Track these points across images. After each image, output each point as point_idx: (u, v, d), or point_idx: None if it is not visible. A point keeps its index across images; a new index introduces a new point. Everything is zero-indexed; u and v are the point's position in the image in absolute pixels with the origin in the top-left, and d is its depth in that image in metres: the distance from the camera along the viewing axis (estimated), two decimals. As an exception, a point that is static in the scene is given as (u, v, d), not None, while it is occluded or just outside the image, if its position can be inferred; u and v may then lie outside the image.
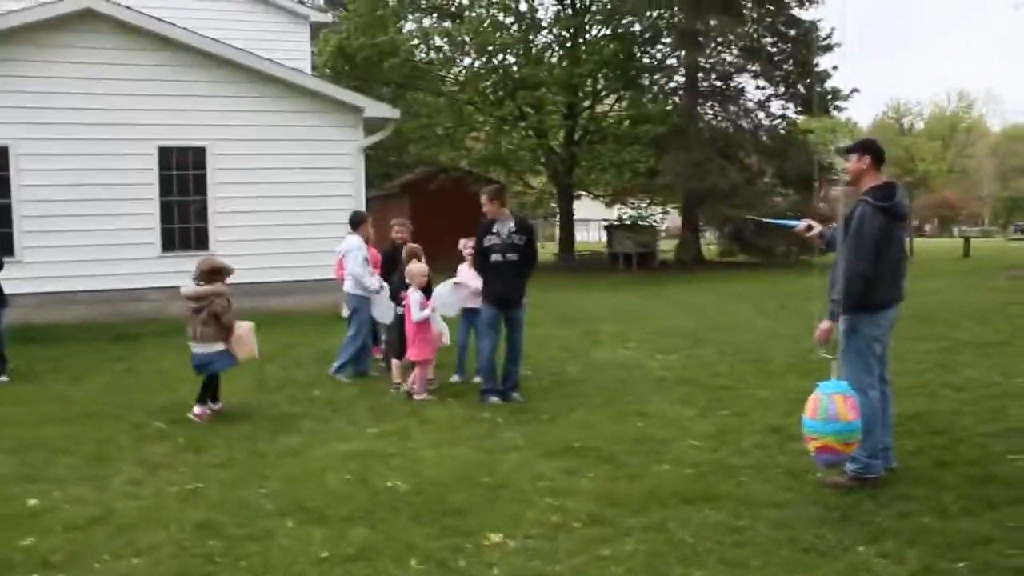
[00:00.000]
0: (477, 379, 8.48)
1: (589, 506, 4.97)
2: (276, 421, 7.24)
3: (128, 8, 13.64)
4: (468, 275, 8.57)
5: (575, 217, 33.37)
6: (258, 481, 5.60)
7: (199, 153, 14.11)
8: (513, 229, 7.89)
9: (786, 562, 4.18)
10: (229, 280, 7.73)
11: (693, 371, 9.14)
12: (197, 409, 7.39)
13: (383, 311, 9.11)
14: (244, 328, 7.63)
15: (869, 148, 5.52)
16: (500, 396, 7.82)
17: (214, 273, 7.61)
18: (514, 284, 7.93)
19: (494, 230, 7.86)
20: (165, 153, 13.93)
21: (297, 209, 14.32)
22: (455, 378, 8.88)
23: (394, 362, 8.71)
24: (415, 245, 8.97)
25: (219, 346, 7.46)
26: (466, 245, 8.80)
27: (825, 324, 5.38)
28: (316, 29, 21.77)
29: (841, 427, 4.92)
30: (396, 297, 8.87)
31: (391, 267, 9.30)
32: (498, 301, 7.89)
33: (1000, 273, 21.19)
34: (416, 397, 7.97)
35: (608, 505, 4.98)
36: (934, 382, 8.22)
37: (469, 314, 8.77)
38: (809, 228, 5.83)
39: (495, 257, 7.82)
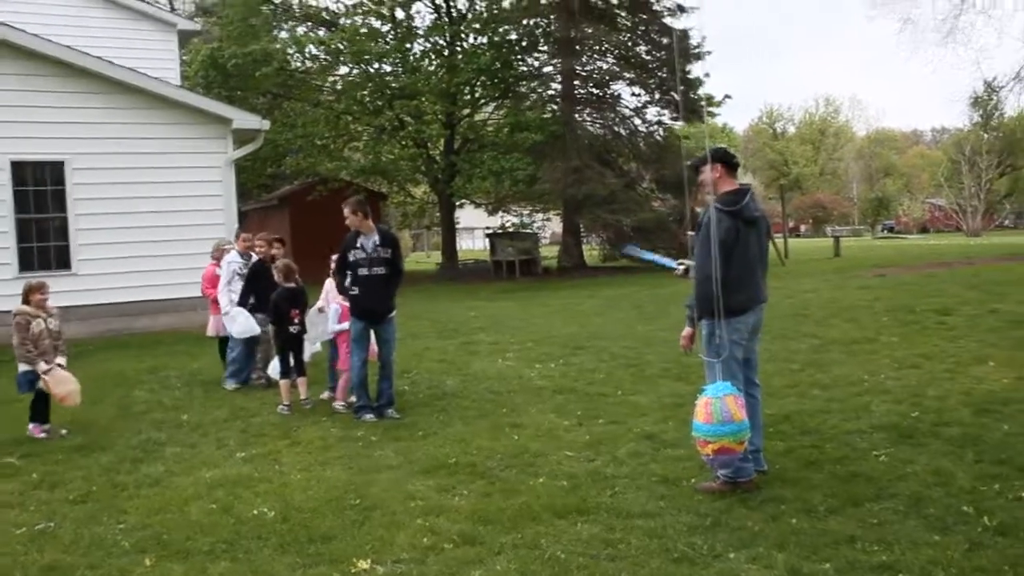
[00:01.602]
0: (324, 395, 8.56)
1: (461, 525, 4.88)
2: (140, 449, 6.92)
3: (-25, 16, 12.97)
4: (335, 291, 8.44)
5: (460, 226, 33.35)
6: (116, 516, 5.33)
7: (57, 168, 13.50)
8: (378, 242, 7.75)
9: (657, 573, 4.17)
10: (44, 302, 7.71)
11: (571, 379, 9.14)
12: (30, 426, 7.49)
13: (240, 328, 9.08)
14: (65, 387, 7.51)
15: (718, 156, 5.53)
16: (375, 413, 7.66)
17: (27, 293, 7.67)
18: (381, 298, 7.78)
19: (359, 244, 7.70)
20: (19, 168, 13.26)
21: (165, 225, 13.86)
22: (327, 394, 8.66)
23: (283, 382, 8.42)
24: (287, 261, 8.73)
25: (22, 366, 7.50)
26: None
27: (686, 331, 5.51)
28: (185, 38, 21.14)
29: (735, 427, 5.03)
30: (264, 311, 8.74)
31: (256, 282, 9.08)
32: (365, 315, 7.73)
33: (867, 271, 22.03)
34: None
35: (480, 523, 4.90)
36: (805, 381, 8.42)
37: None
38: (687, 271, 5.85)
39: (361, 271, 7.67)
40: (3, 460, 6.73)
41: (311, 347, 8.76)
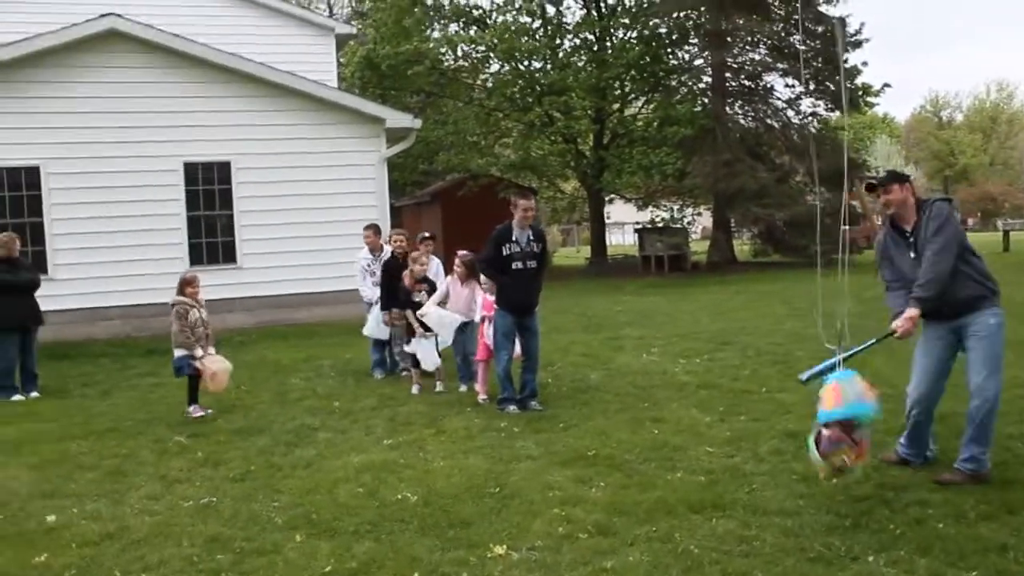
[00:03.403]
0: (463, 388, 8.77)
1: (597, 516, 4.93)
2: (294, 433, 7.28)
3: (150, 27, 13.85)
4: (459, 292, 8.71)
5: (610, 221, 33.26)
6: (271, 494, 5.63)
7: (224, 168, 14.29)
8: (532, 237, 7.89)
9: (791, 571, 4.11)
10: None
11: (715, 375, 9.04)
12: (190, 407, 8.07)
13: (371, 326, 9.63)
14: (219, 364, 8.10)
15: (904, 177, 5.58)
16: (518, 405, 7.79)
17: (183, 285, 8.29)
18: (532, 291, 7.92)
19: (514, 238, 7.84)
20: (191, 169, 14.12)
21: (322, 220, 14.43)
22: (463, 388, 8.84)
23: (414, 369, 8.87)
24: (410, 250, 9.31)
25: (179, 351, 8.16)
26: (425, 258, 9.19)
27: (913, 312, 5.32)
28: (342, 41, 21.91)
29: (868, 407, 4.95)
30: (397, 305, 9.17)
31: (390, 278, 9.41)
32: (515, 309, 7.87)
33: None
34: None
35: (616, 515, 4.94)
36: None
37: (462, 326, 8.74)
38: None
39: (516, 265, 7.81)
40: (174, 439, 7.20)
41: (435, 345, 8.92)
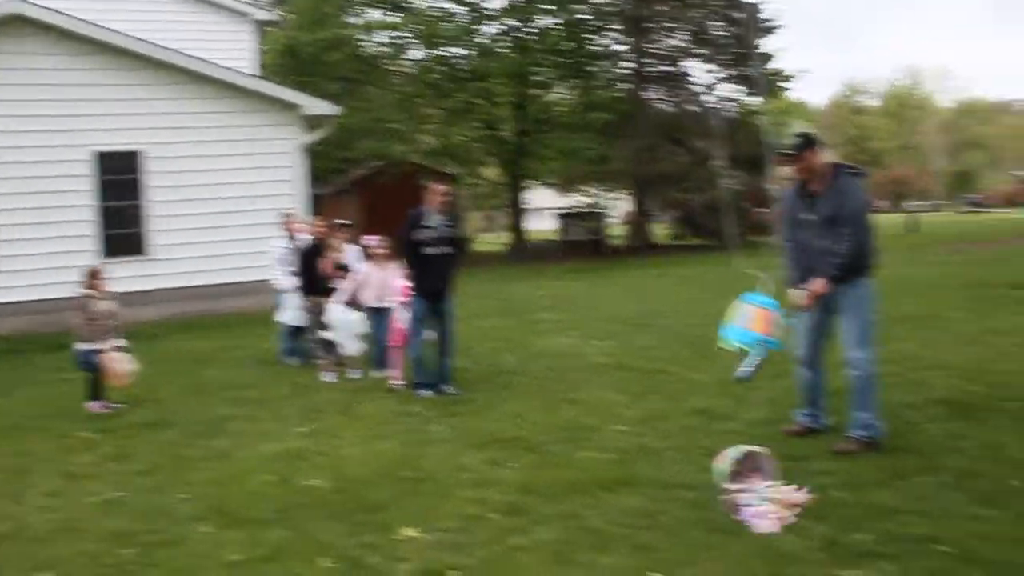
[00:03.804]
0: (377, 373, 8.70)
1: (509, 496, 4.97)
2: (205, 425, 7.16)
3: (57, 12, 13.40)
4: (377, 274, 8.72)
5: (531, 207, 33.39)
6: (180, 487, 5.54)
7: (135, 157, 13.92)
8: (446, 222, 7.87)
9: (694, 543, 4.20)
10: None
11: (630, 357, 9.17)
12: (90, 402, 7.88)
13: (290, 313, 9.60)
14: (121, 362, 7.92)
15: (815, 140, 5.63)
16: (433, 389, 7.80)
17: (88, 277, 8.16)
18: (446, 276, 7.91)
19: (427, 223, 7.81)
20: (101, 158, 13.72)
21: (237, 210, 14.20)
22: (377, 374, 8.78)
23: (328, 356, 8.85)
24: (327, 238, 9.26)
25: (82, 345, 7.95)
26: (373, 242, 9.01)
27: (820, 284, 5.51)
28: (262, 26, 21.52)
29: (753, 337, 5.42)
30: (315, 292, 9.06)
31: (309, 265, 9.33)
32: (430, 294, 7.86)
33: (944, 246, 21.52)
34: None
35: (527, 494, 4.99)
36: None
37: (379, 312, 8.76)
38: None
39: (430, 250, 7.77)
40: (81, 434, 7.03)
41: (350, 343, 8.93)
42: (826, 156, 5.63)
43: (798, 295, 5.61)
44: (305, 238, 9.83)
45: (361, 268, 8.95)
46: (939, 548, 3.98)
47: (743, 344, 5.47)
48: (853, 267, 5.48)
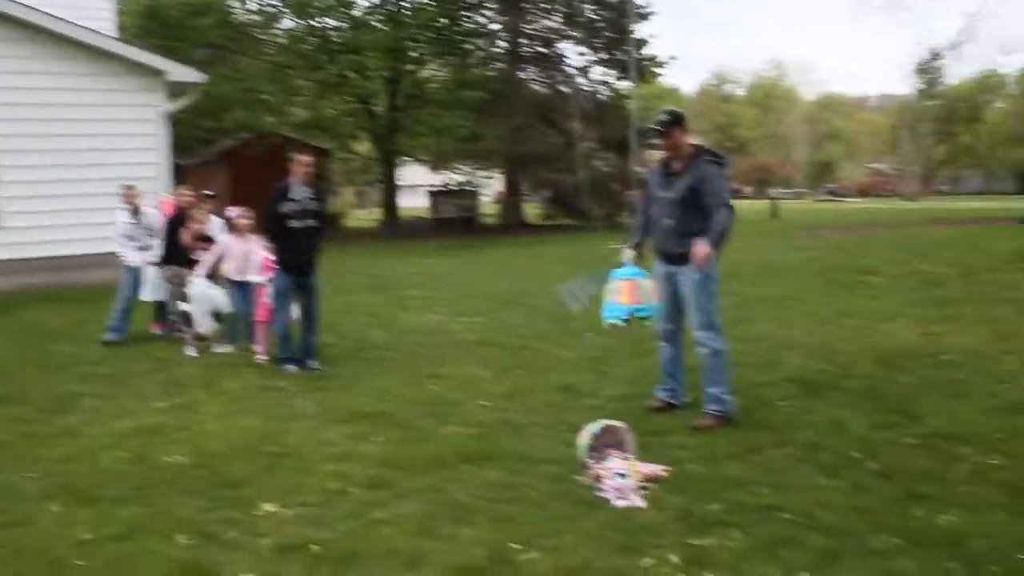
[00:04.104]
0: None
1: (370, 471, 4.97)
2: (57, 401, 6.87)
3: None
4: (238, 246, 8.51)
5: (404, 183, 33.16)
6: (27, 465, 5.30)
7: (-19, 120, 13.17)
8: (310, 195, 7.75)
9: (553, 515, 4.30)
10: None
11: (496, 333, 9.27)
12: None
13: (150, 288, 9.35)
14: None
15: (684, 120, 5.80)
16: (298, 364, 7.71)
17: None
18: (310, 250, 7.79)
19: (292, 195, 7.67)
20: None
21: (96, 178, 13.55)
22: (236, 349, 8.64)
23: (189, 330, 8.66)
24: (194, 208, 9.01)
25: None
26: (234, 213, 8.80)
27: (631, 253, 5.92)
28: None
29: (626, 309, 5.62)
30: (175, 263, 8.89)
31: (173, 235, 9.11)
32: (294, 268, 7.73)
33: (803, 232, 22.44)
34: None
35: (390, 469, 5.00)
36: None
37: (239, 286, 8.59)
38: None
39: (294, 223, 7.63)
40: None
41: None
42: (691, 138, 5.80)
43: (629, 254, 5.90)
44: (151, 211, 9.53)
45: (224, 240, 8.72)
46: (784, 516, 4.19)
47: (618, 318, 5.64)
48: (688, 252, 5.61)
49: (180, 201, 9.43)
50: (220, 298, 8.57)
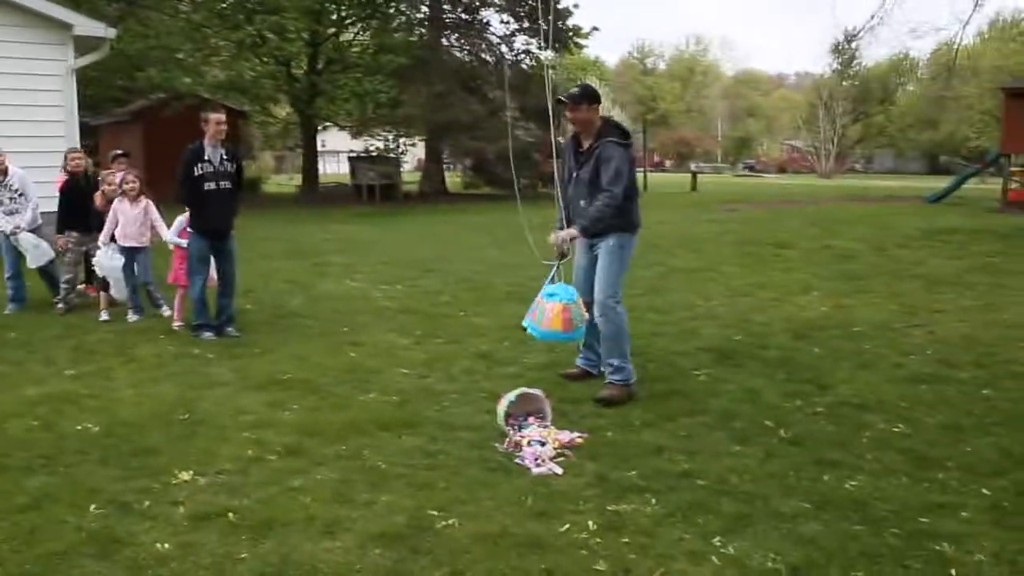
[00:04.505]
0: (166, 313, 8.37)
1: (287, 438, 4.93)
2: (-39, 367, 6.65)
3: None
4: (129, 214, 8.25)
5: (325, 149, 32.69)
6: (-74, 433, 5.14)
7: None
8: (225, 156, 7.56)
9: (471, 481, 4.33)
10: None
11: (416, 301, 9.25)
12: None
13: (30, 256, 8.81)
14: None
15: (596, 96, 5.83)
16: (214, 331, 7.57)
17: None
18: (227, 213, 7.62)
19: (206, 157, 7.48)
20: None
21: (-1, 135, 13.05)
22: (133, 317, 8.35)
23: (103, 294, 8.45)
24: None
25: None
26: (114, 177, 8.62)
27: (571, 232, 5.68)
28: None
29: (556, 335, 5.43)
30: (81, 229, 8.68)
31: (74, 199, 8.83)
32: (210, 232, 7.56)
33: (721, 206, 22.80)
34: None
35: (307, 436, 4.96)
36: (642, 306, 8.72)
37: (132, 252, 8.29)
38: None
39: (208, 185, 7.44)
40: None
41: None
42: (598, 114, 5.80)
43: (554, 237, 5.77)
44: (19, 172, 8.86)
45: (115, 205, 8.37)
46: (698, 482, 4.29)
47: (539, 337, 5.55)
48: (609, 224, 5.67)
49: (73, 164, 8.99)
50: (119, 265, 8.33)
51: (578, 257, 5.97)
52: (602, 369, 6.00)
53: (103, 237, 8.33)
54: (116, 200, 8.34)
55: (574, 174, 5.85)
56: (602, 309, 5.73)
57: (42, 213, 9.12)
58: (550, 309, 5.36)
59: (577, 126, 5.84)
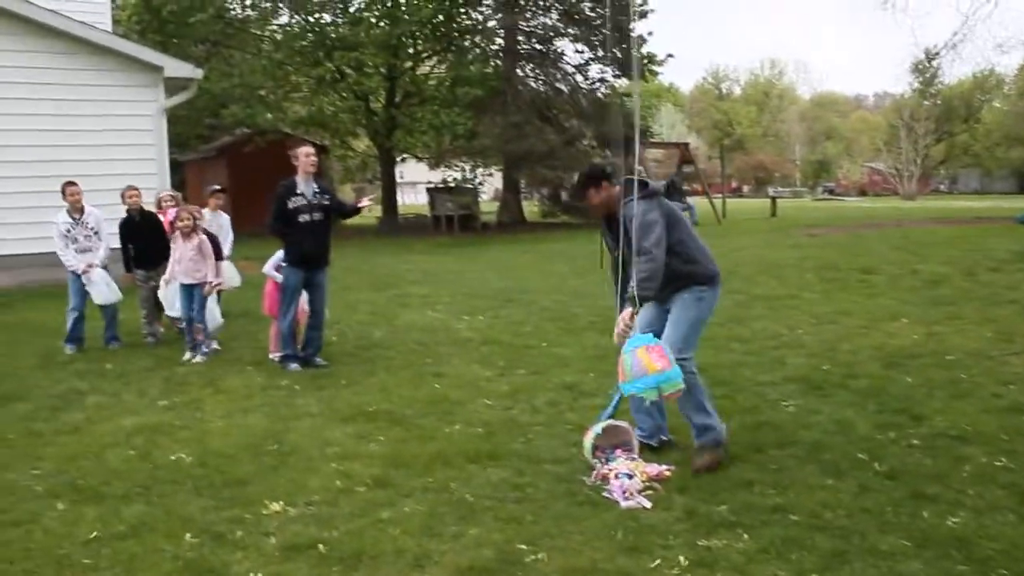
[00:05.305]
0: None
1: (375, 470, 4.97)
2: (60, 398, 6.87)
3: None
4: (183, 250, 8.26)
5: (403, 180, 33.11)
6: (31, 462, 5.31)
7: (-20, 115, 13.11)
8: (317, 190, 7.76)
9: (560, 515, 4.30)
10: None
11: (497, 331, 9.27)
12: None
13: (98, 292, 8.91)
14: None
15: (597, 175, 5.30)
16: (301, 362, 7.69)
17: None
18: (321, 244, 7.79)
19: (299, 191, 7.66)
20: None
21: (93, 174, 13.47)
22: (189, 356, 8.24)
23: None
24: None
25: None
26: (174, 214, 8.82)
27: (629, 309, 5.06)
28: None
29: (654, 379, 4.67)
30: (149, 264, 8.95)
31: (131, 236, 9.10)
32: (306, 262, 7.72)
33: (801, 231, 22.41)
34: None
35: (394, 468, 5.00)
36: (724, 335, 8.61)
37: (187, 288, 8.31)
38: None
39: (303, 218, 7.62)
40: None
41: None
42: (612, 189, 5.20)
43: (618, 330, 5.10)
44: (95, 211, 8.99)
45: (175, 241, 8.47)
46: (791, 517, 4.19)
47: (644, 391, 4.75)
48: (673, 284, 5.07)
49: (131, 201, 9.14)
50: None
51: (643, 313, 5.23)
52: (663, 438, 5.37)
53: (167, 275, 8.48)
54: (171, 238, 8.53)
55: (615, 254, 5.18)
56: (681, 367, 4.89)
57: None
58: (639, 357, 4.73)
59: (599, 212, 5.34)
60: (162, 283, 8.73)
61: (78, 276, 8.85)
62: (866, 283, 11.98)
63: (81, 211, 8.89)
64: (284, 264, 7.80)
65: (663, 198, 5.19)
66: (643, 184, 5.13)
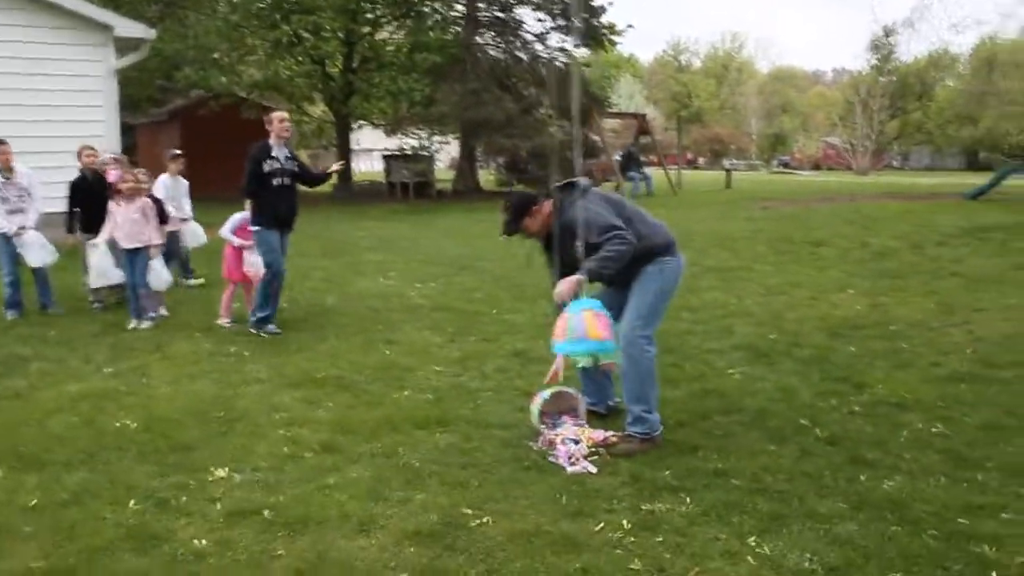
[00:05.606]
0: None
1: (322, 435, 4.97)
2: (1, 364, 6.75)
3: None
4: (125, 215, 8.09)
5: (359, 147, 32.81)
6: (-29, 429, 5.23)
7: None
8: (288, 155, 7.81)
9: (505, 480, 4.34)
10: None
11: (450, 298, 9.27)
12: None
13: (34, 255, 8.59)
14: None
15: (521, 207, 5.19)
16: (255, 326, 7.72)
17: None
18: (293, 207, 7.88)
19: (273, 154, 7.67)
20: None
21: (39, 135, 13.18)
22: (134, 324, 8.08)
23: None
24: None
25: None
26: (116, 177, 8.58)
27: (580, 276, 4.80)
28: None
29: (593, 345, 4.65)
30: (96, 227, 8.41)
31: (82, 197, 8.92)
32: (280, 222, 7.76)
33: (755, 204, 22.59)
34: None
35: (342, 433, 5.00)
36: (674, 305, 8.55)
37: (129, 253, 8.12)
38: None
39: (276, 181, 7.66)
40: None
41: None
42: (541, 213, 5.06)
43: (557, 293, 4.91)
44: (25, 171, 8.65)
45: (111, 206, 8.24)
46: (733, 481, 4.28)
47: (578, 354, 4.76)
48: (632, 262, 4.85)
49: (86, 160, 9.02)
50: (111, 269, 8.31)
51: (603, 296, 5.08)
52: (611, 403, 5.38)
53: (100, 237, 8.19)
54: (111, 201, 8.24)
55: (556, 270, 4.99)
56: (627, 342, 4.80)
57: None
58: (584, 317, 4.66)
59: (541, 234, 5.15)
60: (89, 247, 8.39)
61: (8, 240, 8.48)
62: (817, 255, 12.14)
63: (11, 170, 8.50)
64: (257, 228, 7.68)
65: (594, 189, 5.08)
66: (570, 185, 5.02)
